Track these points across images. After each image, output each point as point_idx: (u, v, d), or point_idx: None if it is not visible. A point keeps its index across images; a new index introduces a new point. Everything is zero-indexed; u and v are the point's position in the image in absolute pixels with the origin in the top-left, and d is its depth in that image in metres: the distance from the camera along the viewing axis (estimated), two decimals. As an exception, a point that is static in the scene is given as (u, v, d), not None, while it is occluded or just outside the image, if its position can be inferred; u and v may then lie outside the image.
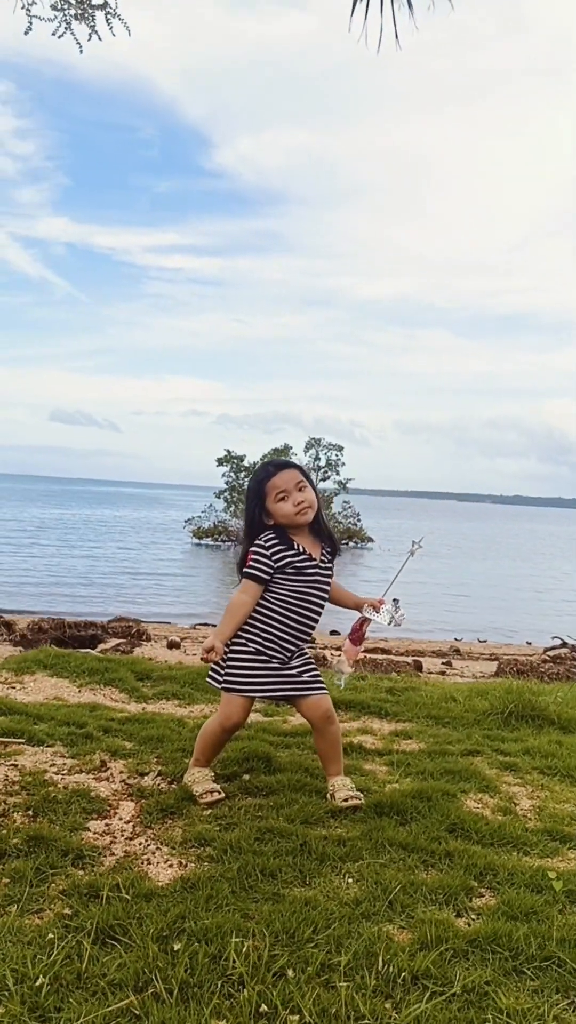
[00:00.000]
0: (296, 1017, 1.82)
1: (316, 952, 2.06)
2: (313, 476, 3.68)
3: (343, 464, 39.63)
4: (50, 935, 2.07)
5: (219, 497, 35.06)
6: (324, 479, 38.97)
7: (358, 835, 2.79)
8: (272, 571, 3.04)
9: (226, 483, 34.74)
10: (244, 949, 2.03)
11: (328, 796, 3.09)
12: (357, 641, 3.23)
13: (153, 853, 2.62)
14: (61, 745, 3.57)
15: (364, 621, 3.20)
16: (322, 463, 38.96)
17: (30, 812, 2.82)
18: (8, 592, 19.96)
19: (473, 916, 2.33)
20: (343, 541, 38.90)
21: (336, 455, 39.58)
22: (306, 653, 3.17)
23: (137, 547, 36.49)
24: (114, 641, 12.29)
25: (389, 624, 3.13)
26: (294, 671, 3.07)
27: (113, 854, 2.61)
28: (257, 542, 3.07)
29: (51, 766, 3.30)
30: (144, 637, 12.87)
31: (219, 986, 1.91)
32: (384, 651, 13.64)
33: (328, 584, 3.16)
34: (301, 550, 3.07)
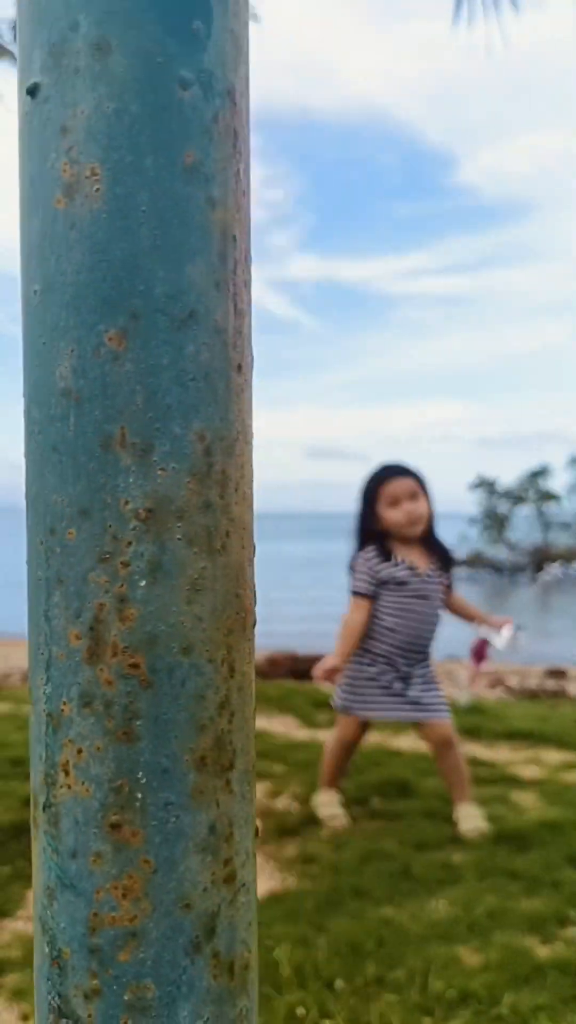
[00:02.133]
0: (328, 1022, 1.86)
1: (372, 966, 2.07)
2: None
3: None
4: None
5: (472, 525, 33.89)
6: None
7: (468, 861, 2.73)
8: (375, 585, 3.07)
9: (480, 510, 33.54)
10: (299, 958, 2.09)
11: (455, 823, 3.04)
12: (478, 660, 3.18)
13: (259, 869, 2.73)
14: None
15: (485, 642, 3.15)
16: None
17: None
18: (263, 629, 20.87)
19: (561, 945, 2.21)
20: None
21: (606, 468, 37.37)
22: (428, 673, 3.14)
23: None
24: (348, 678, 12.51)
25: (504, 649, 3.04)
26: (413, 693, 3.07)
27: (222, 867, 2.75)
28: (361, 556, 3.12)
29: (197, 787, 3.51)
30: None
31: (265, 989, 1.98)
32: None
33: (438, 598, 3.13)
34: (401, 562, 3.08)
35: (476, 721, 4.81)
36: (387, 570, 3.06)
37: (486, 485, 33.82)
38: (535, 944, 2.21)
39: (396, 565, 3.07)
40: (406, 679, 3.08)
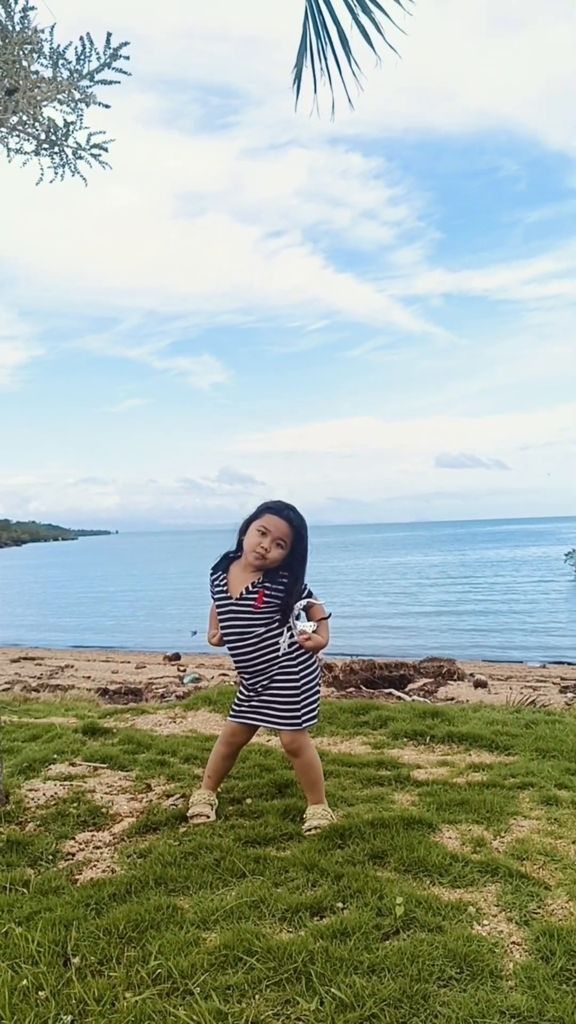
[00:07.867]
0: (42, 993, 2.16)
1: (119, 947, 2.35)
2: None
3: None
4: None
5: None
6: None
7: (281, 856, 2.95)
8: (213, 596, 3.37)
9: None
10: (52, 938, 2.40)
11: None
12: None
13: (100, 861, 3.05)
14: (139, 769, 4.12)
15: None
16: None
17: (39, 823, 3.40)
18: (364, 628, 21.08)
19: (303, 932, 2.41)
20: None
21: None
22: (277, 685, 3.30)
23: (507, 584, 35.97)
24: (423, 681, 12.58)
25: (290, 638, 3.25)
26: (264, 702, 3.29)
27: (71, 859, 3.08)
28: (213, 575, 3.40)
29: (106, 787, 3.86)
30: (455, 676, 12.95)
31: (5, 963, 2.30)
32: None
33: (247, 621, 3.25)
34: (222, 585, 3.32)
35: (428, 724, 4.94)
36: (215, 588, 3.35)
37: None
38: (277, 931, 2.42)
39: (218, 586, 3.34)
40: (253, 688, 3.32)
